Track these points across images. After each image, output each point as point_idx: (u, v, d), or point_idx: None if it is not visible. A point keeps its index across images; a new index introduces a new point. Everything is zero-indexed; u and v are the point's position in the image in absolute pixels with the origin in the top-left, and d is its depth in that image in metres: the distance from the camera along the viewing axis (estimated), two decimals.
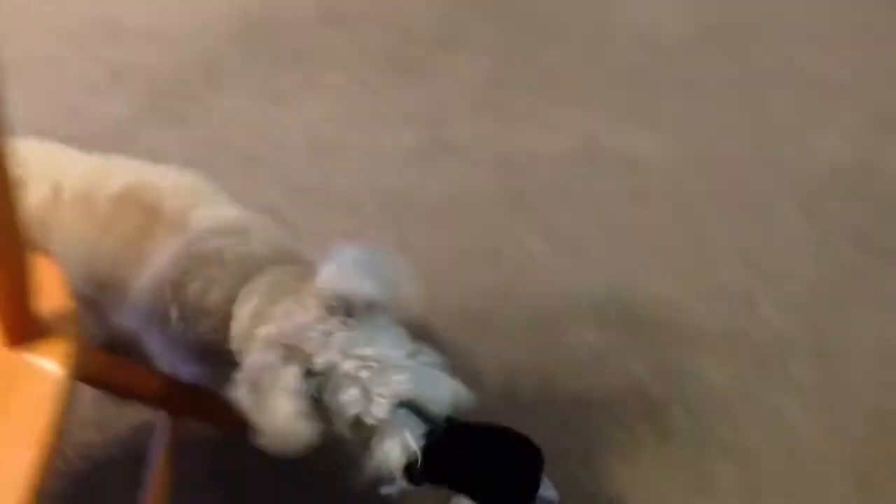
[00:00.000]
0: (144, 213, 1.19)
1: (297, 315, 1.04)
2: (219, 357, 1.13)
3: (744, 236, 1.71)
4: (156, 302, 1.14)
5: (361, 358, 1.01)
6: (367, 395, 1.00)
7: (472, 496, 1.07)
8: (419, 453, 1.01)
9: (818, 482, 1.43)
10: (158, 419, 1.31)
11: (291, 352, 1.01)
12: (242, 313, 1.09)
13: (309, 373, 1.01)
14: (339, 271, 1.05)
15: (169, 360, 1.24)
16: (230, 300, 1.10)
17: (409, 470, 1.02)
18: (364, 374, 1.00)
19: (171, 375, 1.31)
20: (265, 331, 1.05)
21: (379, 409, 1.00)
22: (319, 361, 1.01)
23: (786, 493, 1.42)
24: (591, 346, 1.58)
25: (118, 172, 1.25)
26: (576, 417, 1.49)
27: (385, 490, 1.08)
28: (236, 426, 1.44)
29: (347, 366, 1.00)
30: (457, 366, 1.08)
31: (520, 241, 1.74)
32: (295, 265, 1.13)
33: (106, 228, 1.20)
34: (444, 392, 1.05)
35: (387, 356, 1.02)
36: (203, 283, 1.11)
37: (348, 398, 1.00)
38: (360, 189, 1.84)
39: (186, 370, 1.24)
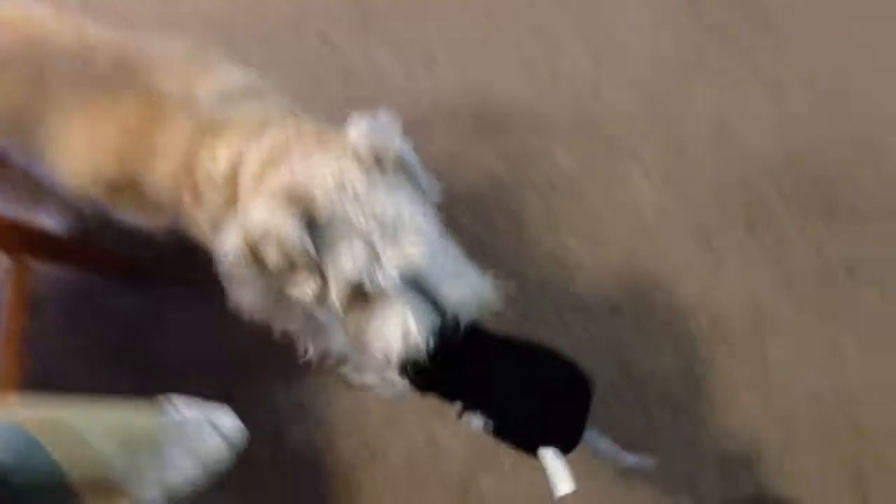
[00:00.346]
0: (145, 97, 1.03)
1: (316, 155, 0.90)
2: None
3: (586, 26, 1.72)
4: (174, 190, 1.03)
5: (375, 213, 0.87)
6: (374, 255, 0.87)
7: (494, 418, 0.93)
8: (426, 346, 0.87)
9: (664, 245, 1.51)
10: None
11: (296, 199, 0.87)
12: (251, 160, 0.94)
13: (314, 223, 0.86)
14: (373, 125, 0.92)
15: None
16: (237, 162, 0.96)
17: (416, 368, 0.88)
18: (375, 230, 0.86)
19: (16, 219, 1.27)
20: (276, 178, 0.90)
21: (385, 276, 0.87)
22: (326, 206, 0.86)
23: (635, 257, 1.50)
24: (449, 150, 1.59)
25: (100, 46, 1.06)
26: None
27: (386, 394, 0.99)
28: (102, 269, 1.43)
29: (357, 217, 0.87)
30: None
31: (369, 58, 1.71)
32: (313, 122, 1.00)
33: (105, 122, 1.04)
34: (470, 288, 0.90)
35: (406, 217, 0.88)
36: (210, 152, 0.98)
37: (351, 255, 0.87)
38: (192, 20, 1.75)
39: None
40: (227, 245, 0.89)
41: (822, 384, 1.40)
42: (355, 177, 0.88)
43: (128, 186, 1.04)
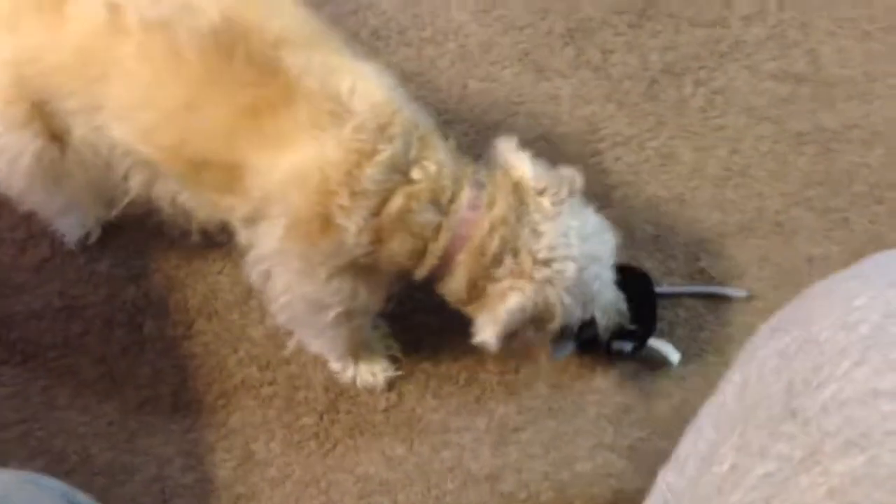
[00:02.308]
0: (264, 72, 0.94)
1: (545, 224, 1.02)
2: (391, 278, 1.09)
3: None
4: (310, 206, 0.96)
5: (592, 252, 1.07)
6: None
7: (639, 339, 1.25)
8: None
9: (490, 69, 1.51)
10: None
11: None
12: (475, 233, 1.01)
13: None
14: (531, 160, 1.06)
15: (302, 291, 1.07)
16: (440, 227, 1.01)
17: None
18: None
19: None
20: (538, 269, 1.01)
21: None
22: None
23: (468, 92, 1.49)
24: None
25: None
26: None
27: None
28: None
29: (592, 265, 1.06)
30: None
31: None
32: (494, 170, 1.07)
33: (203, 84, 0.94)
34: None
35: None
36: (406, 202, 0.98)
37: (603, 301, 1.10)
38: None
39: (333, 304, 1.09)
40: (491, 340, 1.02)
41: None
42: (574, 227, 1.04)
43: (220, 167, 0.97)
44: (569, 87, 1.50)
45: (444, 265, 1.03)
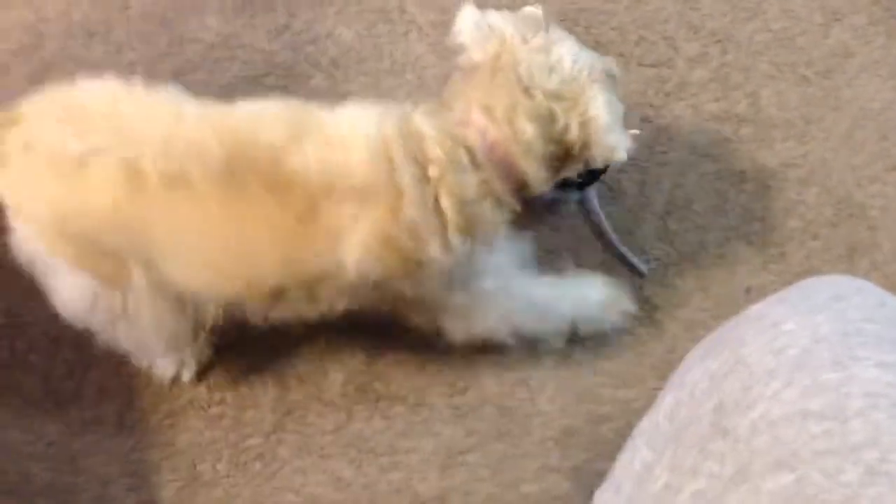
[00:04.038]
0: (280, 187, 0.97)
1: (555, 55, 1.07)
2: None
3: None
4: (399, 264, 1.03)
5: None
6: None
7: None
8: None
9: None
10: None
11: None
12: (525, 134, 1.04)
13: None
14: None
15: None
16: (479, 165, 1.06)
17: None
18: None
19: None
20: (581, 76, 1.08)
21: None
22: None
23: None
24: (217, 32, 1.54)
25: (194, 125, 0.99)
26: None
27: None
28: None
29: None
30: None
31: None
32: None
33: (242, 222, 0.97)
34: None
35: None
36: (449, 197, 1.03)
37: None
38: None
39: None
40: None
41: None
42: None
43: (295, 287, 1.01)
44: None
45: (507, 176, 1.07)
